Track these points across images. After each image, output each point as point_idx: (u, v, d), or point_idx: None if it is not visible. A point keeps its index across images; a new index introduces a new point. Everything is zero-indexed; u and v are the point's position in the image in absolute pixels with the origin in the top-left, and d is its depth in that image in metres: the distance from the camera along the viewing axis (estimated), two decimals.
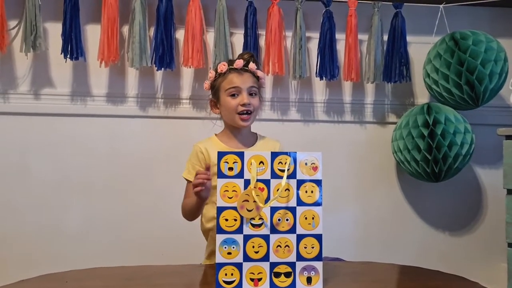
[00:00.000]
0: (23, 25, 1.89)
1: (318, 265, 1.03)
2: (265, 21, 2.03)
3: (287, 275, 1.01)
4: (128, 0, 1.97)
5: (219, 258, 1.00)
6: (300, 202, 1.04)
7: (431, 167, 1.92)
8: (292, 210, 1.04)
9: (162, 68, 1.97)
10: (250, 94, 1.41)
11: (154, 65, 1.97)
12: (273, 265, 1.01)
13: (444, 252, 2.21)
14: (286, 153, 1.05)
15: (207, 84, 1.48)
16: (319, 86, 2.17)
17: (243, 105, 1.39)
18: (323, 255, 1.06)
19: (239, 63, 1.42)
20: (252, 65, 1.44)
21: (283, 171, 1.04)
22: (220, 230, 1.02)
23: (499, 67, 1.91)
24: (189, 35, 1.96)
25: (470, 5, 2.11)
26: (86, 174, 2.02)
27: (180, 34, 2.04)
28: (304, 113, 2.15)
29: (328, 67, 2.04)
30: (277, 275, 1.01)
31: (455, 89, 1.92)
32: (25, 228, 1.98)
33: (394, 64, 2.09)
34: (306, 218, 1.04)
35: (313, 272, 1.02)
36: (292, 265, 1.02)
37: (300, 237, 1.03)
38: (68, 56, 1.91)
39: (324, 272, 1.05)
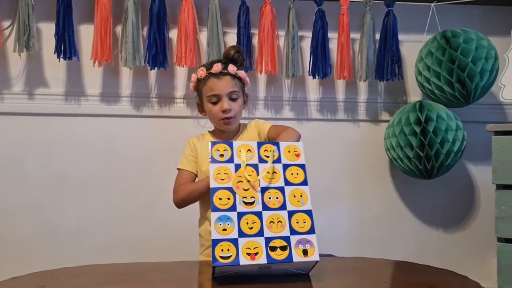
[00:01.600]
0: (16, 25, 1.89)
1: (312, 238, 1.06)
2: (258, 20, 2.04)
3: (283, 248, 1.04)
4: (121, 0, 1.98)
5: (214, 235, 1.03)
6: (287, 182, 1.12)
7: (424, 164, 1.94)
8: (281, 189, 1.11)
9: (156, 68, 1.98)
10: (231, 99, 1.42)
11: (148, 65, 1.98)
12: (268, 239, 1.04)
13: (438, 248, 2.22)
14: (270, 143, 1.16)
15: (191, 86, 1.50)
16: (312, 85, 2.18)
17: (224, 111, 1.40)
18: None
19: (217, 68, 1.40)
20: (231, 68, 1.42)
21: (268, 157, 1.13)
22: (215, 209, 1.06)
23: (489, 65, 1.92)
24: (182, 34, 1.97)
25: (461, 4, 2.12)
26: (81, 174, 2.03)
27: (173, 34, 2.05)
28: (298, 111, 2.16)
29: (321, 65, 2.06)
30: (273, 249, 1.03)
31: (446, 87, 1.94)
32: (21, 227, 1.98)
33: (386, 62, 2.10)
34: (294, 196, 1.11)
35: (308, 245, 1.05)
36: (286, 239, 1.05)
37: (291, 213, 1.08)
38: (62, 56, 1.92)
39: (316, 267, 1.07)
